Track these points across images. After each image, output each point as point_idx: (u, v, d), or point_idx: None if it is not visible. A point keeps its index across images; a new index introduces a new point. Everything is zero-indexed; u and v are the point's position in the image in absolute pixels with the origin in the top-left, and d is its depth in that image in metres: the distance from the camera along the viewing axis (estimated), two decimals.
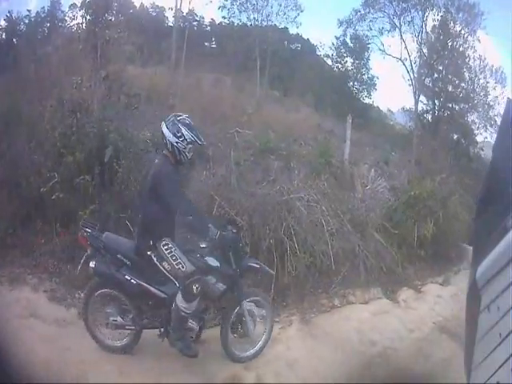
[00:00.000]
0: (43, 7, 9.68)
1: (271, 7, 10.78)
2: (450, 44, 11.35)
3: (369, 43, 12.28)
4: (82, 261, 4.16)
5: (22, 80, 7.68)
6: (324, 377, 4.30)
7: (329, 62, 12.86)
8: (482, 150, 11.22)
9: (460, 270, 7.11)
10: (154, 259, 3.94)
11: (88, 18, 7.31)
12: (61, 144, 5.98)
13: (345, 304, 5.78)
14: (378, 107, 13.25)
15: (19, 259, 5.73)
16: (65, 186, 5.79)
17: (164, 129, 3.91)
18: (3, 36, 10.44)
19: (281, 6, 10.91)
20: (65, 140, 6.00)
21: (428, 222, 7.01)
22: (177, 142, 3.88)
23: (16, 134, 6.99)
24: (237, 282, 4.15)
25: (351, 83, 12.91)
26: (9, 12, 10.21)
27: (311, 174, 7.24)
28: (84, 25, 7.34)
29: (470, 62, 11.48)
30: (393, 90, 13.49)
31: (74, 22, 8.77)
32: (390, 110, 13.51)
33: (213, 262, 4.02)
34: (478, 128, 11.91)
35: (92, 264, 4.02)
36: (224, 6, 8.78)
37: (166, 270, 3.93)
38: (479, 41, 11.16)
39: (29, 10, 10.15)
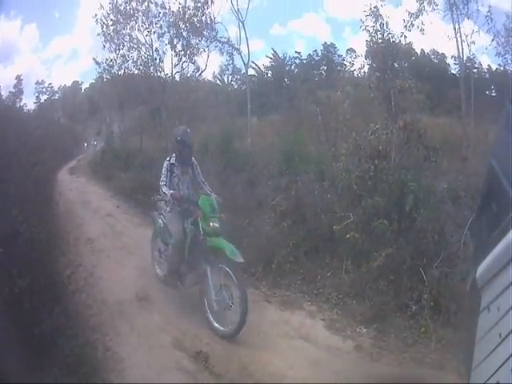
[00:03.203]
0: (315, 50, 10.46)
1: None
2: None
3: None
4: None
5: (303, 120, 8.42)
6: None
7: None
8: None
9: None
10: None
11: (374, 65, 7.71)
12: (357, 187, 6.30)
13: None
14: None
15: (299, 286, 6.07)
16: (360, 227, 6.00)
17: None
18: (269, 74, 11.66)
19: None
20: (362, 183, 6.30)
21: None
22: None
23: (301, 171, 7.65)
24: None
25: None
26: (273, 51, 11.36)
27: None
28: (370, 71, 7.73)
29: None
30: None
31: (356, 67, 9.25)
32: None
33: None
34: None
35: None
36: (500, 54, 8.30)
37: None
38: None
39: (298, 52, 11.23)
